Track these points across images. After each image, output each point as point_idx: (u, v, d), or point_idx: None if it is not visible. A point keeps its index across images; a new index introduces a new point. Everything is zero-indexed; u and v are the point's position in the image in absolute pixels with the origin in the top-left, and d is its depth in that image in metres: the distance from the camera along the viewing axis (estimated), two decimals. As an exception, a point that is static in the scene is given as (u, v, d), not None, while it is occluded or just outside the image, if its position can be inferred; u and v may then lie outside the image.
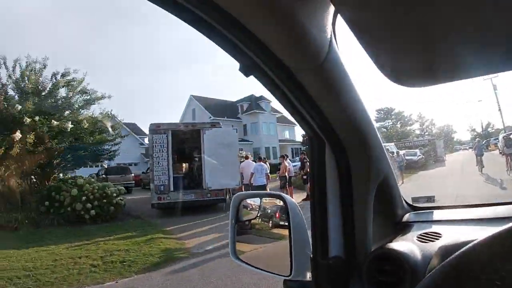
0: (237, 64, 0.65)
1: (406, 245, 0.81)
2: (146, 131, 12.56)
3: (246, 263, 1.02)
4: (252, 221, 1.12)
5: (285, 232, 0.91)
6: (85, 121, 10.72)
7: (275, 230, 1.04)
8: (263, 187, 9.89)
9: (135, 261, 5.44)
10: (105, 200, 9.56)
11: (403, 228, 0.99)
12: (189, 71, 65.01)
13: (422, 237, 0.87)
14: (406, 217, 1.05)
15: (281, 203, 0.94)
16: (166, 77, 66.16)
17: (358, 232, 0.85)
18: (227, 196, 10.41)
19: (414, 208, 1.11)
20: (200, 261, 5.37)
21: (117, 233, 7.66)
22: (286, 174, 11.39)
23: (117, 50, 64.12)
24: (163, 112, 61.68)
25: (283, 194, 0.94)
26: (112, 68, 61.48)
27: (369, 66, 0.61)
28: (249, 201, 1.14)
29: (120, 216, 10.16)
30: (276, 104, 43.73)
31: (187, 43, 66.51)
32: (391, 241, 0.86)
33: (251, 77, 0.67)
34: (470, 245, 0.50)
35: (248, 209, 1.13)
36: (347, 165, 0.83)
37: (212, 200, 10.26)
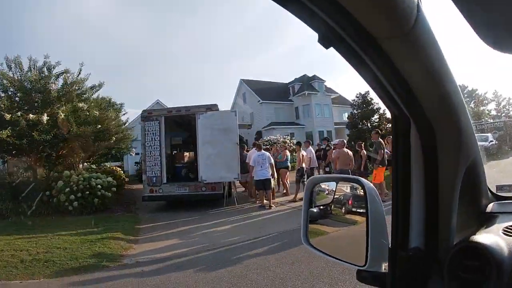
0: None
1: (492, 238, 0.78)
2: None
3: (318, 250, 1.02)
4: (328, 206, 1.11)
5: (359, 218, 0.91)
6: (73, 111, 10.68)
7: (350, 216, 1.03)
8: (266, 182, 9.22)
9: (57, 263, 5.34)
10: (88, 192, 9.58)
11: (487, 220, 0.96)
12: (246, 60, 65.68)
13: (509, 230, 0.84)
14: (490, 207, 1.02)
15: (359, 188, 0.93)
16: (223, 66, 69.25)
17: (442, 223, 0.83)
18: (227, 190, 10.03)
19: (499, 198, 1.07)
20: (122, 274, 4.89)
21: (84, 227, 7.70)
22: (304, 165, 10.38)
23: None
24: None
25: (362, 179, 0.93)
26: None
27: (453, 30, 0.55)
28: (323, 185, 1.12)
29: (113, 207, 10.31)
30: (331, 83, 43.87)
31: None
32: (474, 234, 0.82)
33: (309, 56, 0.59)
34: None
35: (325, 193, 1.12)
36: (434, 148, 0.80)
37: (208, 194, 9.60)
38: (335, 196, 1.09)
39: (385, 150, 8.84)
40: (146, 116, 9.90)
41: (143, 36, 69.95)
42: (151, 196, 9.72)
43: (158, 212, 9.61)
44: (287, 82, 37.13)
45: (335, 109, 36.45)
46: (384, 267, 0.84)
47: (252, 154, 9.87)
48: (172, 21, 69.49)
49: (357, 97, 26.26)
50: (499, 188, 1.14)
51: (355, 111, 26.30)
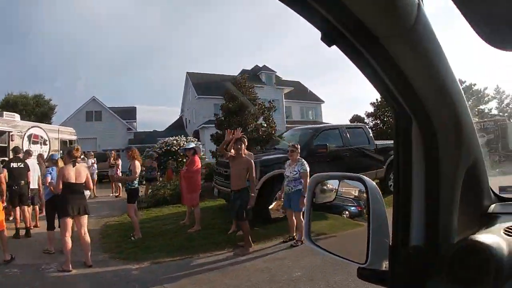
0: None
1: (493, 238, 0.80)
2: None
3: (321, 248, 1.05)
4: (330, 203, 1.15)
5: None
6: None
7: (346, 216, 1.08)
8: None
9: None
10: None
11: (489, 220, 0.98)
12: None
13: (510, 230, 0.86)
14: (492, 207, 1.04)
15: (361, 185, 0.95)
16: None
17: (443, 221, 0.85)
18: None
19: (501, 199, 1.09)
20: None
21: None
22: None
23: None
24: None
25: (364, 177, 0.96)
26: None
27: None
28: (327, 183, 1.17)
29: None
30: (288, 76, 40.57)
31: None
32: (475, 233, 0.85)
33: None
34: None
35: (321, 191, 1.15)
36: (436, 146, 0.82)
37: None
38: (337, 195, 1.11)
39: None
40: None
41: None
42: None
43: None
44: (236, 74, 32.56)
45: (297, 105, 34.09)
46: (385, 265, 0.85)
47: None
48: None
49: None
50: (502, 189, 1.16)
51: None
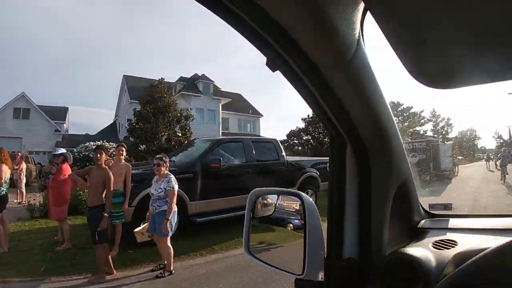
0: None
1: (422, 251, 0.87)
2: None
3: (259, 259, 1.08)
4: (268, 217, 1.19)
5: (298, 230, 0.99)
6: None
7: (290, 229, 1.12)
8: None
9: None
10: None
11: (419, 234, 1.06)
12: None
13: (438, 244, 0.94)
14: (422, 223, 1.12)
15: (299, 201, 1.00)
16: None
17: (374, 235, 0.92)
18: None
19: (431, 215, 1.18)
20: None
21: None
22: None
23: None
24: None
25: (301, 193, 1.02)
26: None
27: (394, 66, 0.63)
28: (266, 197, 1.21)
29: None
30: (228, 87, 41.22)
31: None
32: (406, 247, 0.92)
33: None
34: (481, 253, 0.58)
35: (266, 205, 1.20)
36: (368, 167, 0.89)
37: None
38: (276, 208, 1.17)
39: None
40: None
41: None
42: None
43: None
44: (174, 81, 31.74)
45: (233, 117, 33.46)
46: (321, 276, 0.91)
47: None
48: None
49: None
50: (432, 206, 1.25)
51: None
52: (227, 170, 7.62)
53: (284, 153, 9.08)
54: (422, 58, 0.59)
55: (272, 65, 0.68)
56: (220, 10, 0.58)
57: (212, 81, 31.52)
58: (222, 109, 31.69)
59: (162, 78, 21.37)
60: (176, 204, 5.13)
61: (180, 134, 17.93)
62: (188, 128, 19.16)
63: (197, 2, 0.56)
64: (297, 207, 1.06)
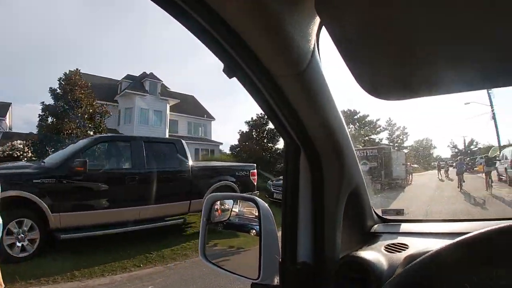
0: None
1: (374, 254, 0.92)
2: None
3: (215, 264, 1.09)
4: (225, 222, 1.20)
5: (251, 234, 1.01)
6: None
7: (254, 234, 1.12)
8: None
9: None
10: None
11: (371, 238, 1.10)
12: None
13: (390, 247, 0.98)
14: (375, 227, 1.17)
15: (254, 206, 1.02)
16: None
17: (328, 239, 0.94)
18: None
19: (384, 220, 1.23)
20: None
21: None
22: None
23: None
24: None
25: (257, 198, 1.03)
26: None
27: (348, 78, 0.66)
28: (222, 202, 1.22)
29: None
30: (178, 87, 37.72)
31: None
32: (359, 250, 0.96)
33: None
34: (426, 255, 0.63)
35: (222, 210, 1.21)
36: (320, 173, 0.93)
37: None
38: (232, 214, 1.18)
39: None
40: None
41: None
42: None
43: None
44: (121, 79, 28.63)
45: (183, 119, 31.01)
46: (276, 280, 0.92)
47: None
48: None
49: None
50: (384, 211, 1.30)
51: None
52: (102, 177, 6.24)
53: (189, 157, 7.70)
54: (370, 72, 0.63)
55: (229, 71, 0.69)
56: (180, 16, 0.58)
57: (160, 80, 29.14)
58: (171, 111, 29.64)
59: (77, 69, 18.52)
60: (35, 215, 4.56)
61: (91, 133, 15.58)
62: (103, 126, 17.20)
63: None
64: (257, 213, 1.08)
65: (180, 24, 0.60)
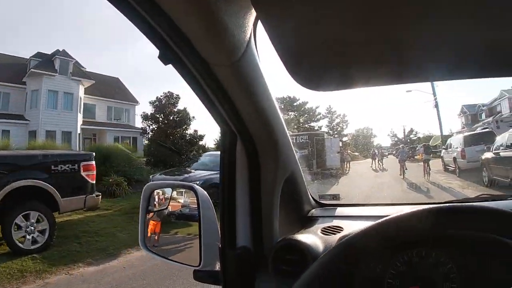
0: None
1: (310, 237, 0.97)
2: None
3: (156, 254, 1.09)
4: (164, 210, 1.20)
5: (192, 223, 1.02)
6: None
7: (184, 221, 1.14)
8: None
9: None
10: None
11: (308, 222, 1.16)
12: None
13: (325, 230, 1.04)
14: (313, 212, 1.23)
15: (193, 194, 1.03)
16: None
17: (265, 224, 0.99)
18: None
19: (320, 205, 1.30)
20: None
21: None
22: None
23: None
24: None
25: (195, 186, 1.04)
26: None
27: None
28: (160, 191, 1.21)
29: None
30: (95, 68, 34.95)
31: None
32: (296, 233, 1.00)
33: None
34: (353, 234, 0.73)
35: (165, 199, 1.20)
36: (257, 160, 0.96)
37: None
38: (171, 201, 1.18)
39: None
40: None
41: None
42: None
43: None
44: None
45: (102, 103, 27.67)
46: (217, 265, 0.95)
47: None
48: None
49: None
50: (321, 197, 1.39)
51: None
52: None
53: None
54: (305, 67, 0.68)
55: (164, 58, 0.68)
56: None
57: (72, 58, 24.93)
58: (89, 94, 26.20)
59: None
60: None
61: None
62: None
63: None
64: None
65: (114, 7, 0.57)
